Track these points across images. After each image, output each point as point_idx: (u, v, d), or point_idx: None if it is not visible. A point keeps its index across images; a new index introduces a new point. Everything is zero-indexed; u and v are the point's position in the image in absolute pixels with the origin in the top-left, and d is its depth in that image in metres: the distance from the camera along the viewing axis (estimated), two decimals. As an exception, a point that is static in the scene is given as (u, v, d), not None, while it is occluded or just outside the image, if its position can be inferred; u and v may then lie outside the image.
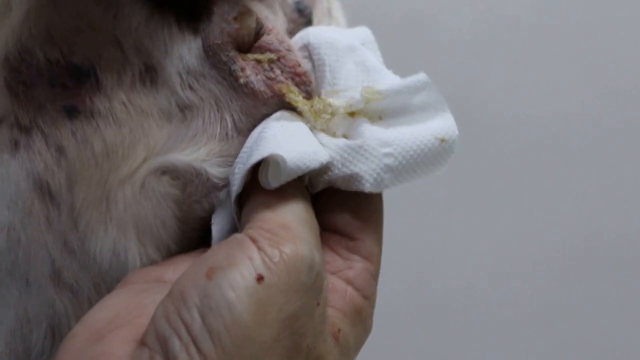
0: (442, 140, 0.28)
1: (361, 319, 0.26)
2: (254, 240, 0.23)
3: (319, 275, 0.24)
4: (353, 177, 0.27)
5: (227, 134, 0.27)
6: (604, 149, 0.75)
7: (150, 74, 0.27)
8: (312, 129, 0.27)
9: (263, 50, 0.28)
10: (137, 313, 0.24)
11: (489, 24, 0.76)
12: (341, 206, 0.27)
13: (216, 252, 0.23)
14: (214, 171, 0.27)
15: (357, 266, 0.27)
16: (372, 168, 0.27)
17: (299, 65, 0.28)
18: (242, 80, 0.27)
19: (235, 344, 0.21)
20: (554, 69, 0.75)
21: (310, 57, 0.28)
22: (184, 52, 0.27)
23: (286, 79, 0.28)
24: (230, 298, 0.21)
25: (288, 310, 0.22)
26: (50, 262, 0.26)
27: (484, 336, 0.75)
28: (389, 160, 0.27)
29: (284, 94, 0.27)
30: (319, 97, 0.28)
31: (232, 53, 0.27)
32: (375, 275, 0.27)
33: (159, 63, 0.27)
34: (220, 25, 0.27)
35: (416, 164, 0.27)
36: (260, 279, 0.22)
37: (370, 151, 0.27)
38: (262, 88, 0.27)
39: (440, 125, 0.28)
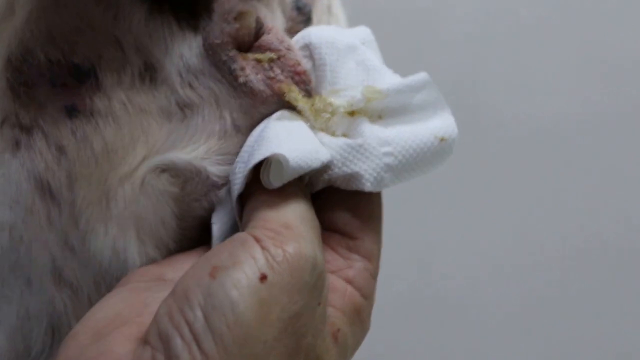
0: (442, 140, 0.28)
1: (360, 318, 0.26)
2: (257, 240, 0.23)
3: (321, 275, 0.24)
4: (353, 176, 0.27)
5: (225, 132, 0.27)
6: (604, 146, 0.75)
7: (149, 73, 0.27)
8: (312, 128, 0.27)
9: (263, 49, 0.28)
10: (138, 312, 0.24)
11: (490, 21, 0.76)
12: (341, 205, 0.27)
13: (220, 251, 0.23)
14: (214, 169, 0.27)
15: (356, 265, 0.27)
16: (372, 167, 0.27)
17: (299, 64, 0.28)
18: (241, 80, 0.27)
19: (237, 343, 0.21)
20: (554, 67, 0.75)
21: (311, 57, 0.28)
22: (185, 50, 0.27)
23: (286, 77, 0.28)
24: (233, 297, 0.21)
25: (290, 310, 0.22)
26: (51, 260, 0.27)
27: (483, 335, 0.75)
28: (389, 159, 0.27)
29: (284, 93, 0.27)
30: (320, 96, 0.28)
31: (232, 52, 0.27)
32: (374, 275, 0.27)
33: (159, 62, 0.27)
34: (220, 24, 0.27)
35: (416, 163, 0.27)
36: (263, 278, 0.22)
37: (370, 150, 0.27)
38: (262, 87, 0.27)
39: (440, 124, 0.28)
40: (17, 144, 0.27)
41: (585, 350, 0.75)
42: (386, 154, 0.27)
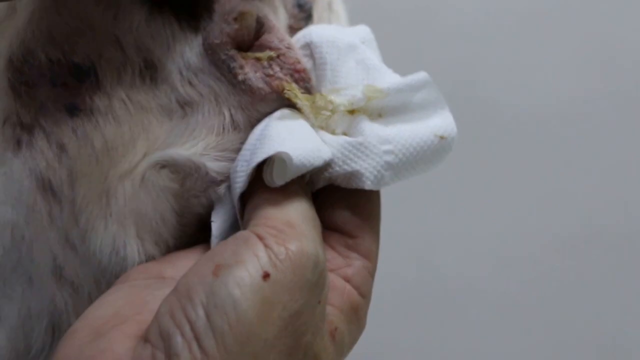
0: (442, 138, 0.28)
1: (357, 316, 0.26)
2: (260, 238, 0.23)
3: (322, 273, 0.24)
4: (353, 175, 0.27)
5: (224, 128, 0.27)
6: (603, 141, 0.75)
7: (150, 71, 0.27)
8: (312, 126, 0.28)
9: (263, 48, 0.28)
10: (137, 310, 0.24)
11: (489, 18, 0.75)
12: (341, 204, 0.27)
13: (223, 250, 0.23)
14: (213, 165, 0.27)
15: (355, 264, 0.27)
16: (372, 165, 0.27)
17: (299, 62, 0.28)
18: (240, 77, 0.27)
19: (238, 342, 0.21)
20: (552, 63, 0.75)
21: (311, 56, 0.28)
22: (185, 49, 0.27)
23: (285, 75, 0.28)
24: (235, 296, 0.22)
25: (291, 308, 0.22)
26: (52, 258, 0.27)
27: (482, 332, 0.76)
28: (389, 158, 0.27)
29: (283, 90, 0.27)
30: (320, 94, 0.28)
31: (232, 52, 0.27)
32: (372, 273, 0.27)
33: (160, 61, 0.27)
34: (220, 25, 0.27)
35: (415, 161, 0.28)
36: (266, 276, 0.22)
37: (370, 148, 0.27)
38: (260, 85, 0.27)
39: (439, 123, 0.28)
40: (18, 143, 0.27)
41: (584, 345, 0.75)
42: (386, 152, 0.27)
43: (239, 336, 0.21)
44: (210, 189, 0.27)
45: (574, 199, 0.75)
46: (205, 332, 0.21)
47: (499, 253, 0.75)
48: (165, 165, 0.27)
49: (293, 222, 0.24)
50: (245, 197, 0.26)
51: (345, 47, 0.28)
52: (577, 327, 0.75)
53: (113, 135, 0.26)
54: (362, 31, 0.30)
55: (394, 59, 0.31)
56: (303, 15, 0.31)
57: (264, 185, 0.26)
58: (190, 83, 0.27)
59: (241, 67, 0.27)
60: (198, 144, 0.27)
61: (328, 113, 0.28)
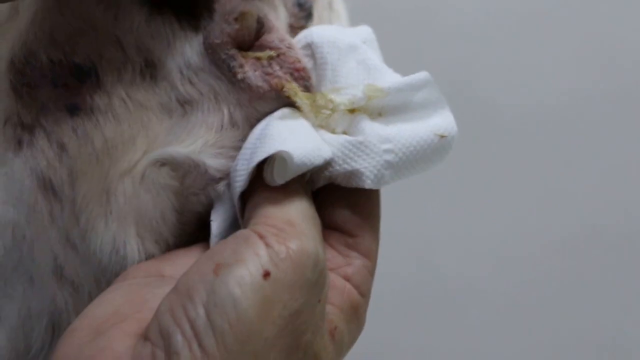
0: (442, 137, 0.28)
1: (356, 315, 0.26)
2: (260, 236, 0.23)
3: (323, 272, 0.24)
4: (354, 174, 0.27)
5: (222, 125, 0.27)
6: (602, 139, 0.75)
7: (150, 70, 0.27)
8: (312, 125, 0.28)
9: (263, 48, 0.28)
10: (137, 308, 0.24)
11: (489, 17, 0.75)
12: (341, 203, 0.27)
13: (223, 248, 0.23)
14: (212, 163, 0.27)
15: (356, 263, 0.27)
16: (372, 164, 0.27)
17: (299, 61, 0.28)
18: (239, 76, 0.27)
19: (238, 341, 0.21)
20: (551, 61, 0.75)
21: (312, 56, 0.28)
22: (186, 48, 0.27)
23: (285, 74, 0.28)
24: (236, 295, 0.21)
25: (291, 307, 0.22)
26: (53, 258, 0.27)
27: (482, 331, 0.76)
28: (389, 157, 0.27)
29: (282, 88, 0.27)
30: (321, 93, 0.28)
31: (232, 52, 0.27)
32: (372, 272, 0.27)
33: (160, 60, 0.27)
34: (221, 25, 0.27)
35: (416, 160, 0.28)
36: (267, 275, 0.22)
37: (371, 147, 0.27)
38: (260, 83, 0.27)
39: (439, 122, 0.28)
40: (19, 143, 0.27)
41: (584, 345, 0.75)
42: (386, 151, 0.27)
43: (239, 335, 0.21)
44: (209, 187, 0.27)
45: (574, 199, 0.75)
46: (205, 330, 0.21)
47: (499, 253, 0.75)
48: (165, 162, 0.27)
49: (293, 221, 0.24)
50: (246, 196, 0.26)
51: (346, 48, 0.28)
52: (577, 327, 0.75)
53: (113, 134, 0.26)
54: (364, 31, 0.30)
55: (394, 59, 0.31)
56: (303, 14, 0.31)
57: (265, 184, 0.26)
58: (190, 82, 0.27)
59: (241, 66, 0.27)
60: (197, 142, 0.27)
61: (328, 112, 0.28)
